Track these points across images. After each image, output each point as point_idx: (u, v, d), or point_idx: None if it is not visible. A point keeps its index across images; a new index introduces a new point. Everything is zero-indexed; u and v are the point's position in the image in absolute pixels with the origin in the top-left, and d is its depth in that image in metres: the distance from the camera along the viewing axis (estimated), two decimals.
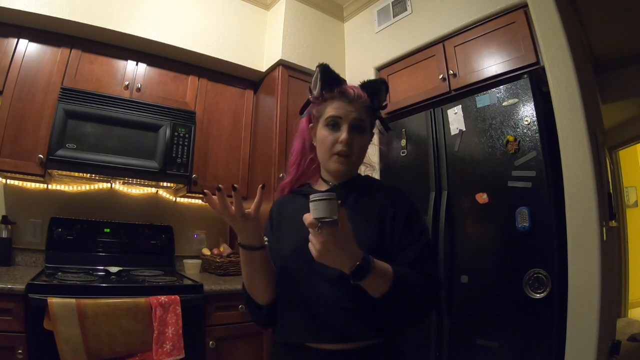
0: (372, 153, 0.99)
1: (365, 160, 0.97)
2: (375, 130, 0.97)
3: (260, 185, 0.76)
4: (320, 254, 0.66)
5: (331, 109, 0.86)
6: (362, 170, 0.99)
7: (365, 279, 0.69)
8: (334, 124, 0.86)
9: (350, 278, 0.69)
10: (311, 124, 0.93)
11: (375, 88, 0.89)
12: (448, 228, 1.69)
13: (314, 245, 0.67)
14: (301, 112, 0.96)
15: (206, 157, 2.27)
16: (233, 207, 0.74)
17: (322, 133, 0.87)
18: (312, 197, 0.65)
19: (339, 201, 0.65)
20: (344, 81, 0.90)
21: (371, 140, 0.95)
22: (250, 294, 0.87)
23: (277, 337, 0.85)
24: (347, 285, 0.76)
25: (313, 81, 0.90)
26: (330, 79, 0.88)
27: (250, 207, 0.76)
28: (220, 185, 0.72)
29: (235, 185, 0.74)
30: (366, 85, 0.89)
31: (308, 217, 0.65)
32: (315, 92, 0.89)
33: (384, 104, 0.91)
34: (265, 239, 0.83)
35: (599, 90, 2.71)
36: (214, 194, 0.73)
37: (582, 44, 2.18)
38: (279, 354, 0.84)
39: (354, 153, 0.85)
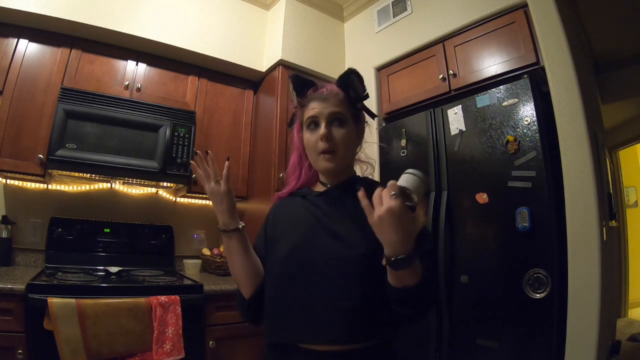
0: (365, 146, 0.97)
1: (362, 158, 0.96)
2: (374, 131, 0.97)
3: (226, 157, 0.86)
4: (378, 219, 0.64)
5: (308, 111, 0.87)
6: (363, 170, 0.98)
7: (398, 271, 0.67)
8: (313, 125, 0.86)
9: (387, 261, 0.66)
10: (301, 134, 0.94)
11: (347, 79, 0.88)
12: (448, 228, 1.69)
13: (378, 209, 0.64)
14: (289, 124, 0.98)
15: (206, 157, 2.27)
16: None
17: (306, 136, 0.88)
18: (409, 170, 0.66)
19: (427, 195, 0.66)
20: (316, 84, 0.92)
21: (362, 134, 0.94)
22: (237, 286, 0.90)
23: (270, 338, 0.84)
24: (347, 286, 0.76)
25: (291, 93, 0.93)
26: (300, 84, 0.91)
27: (243, 204, 0.80)
28: (208, 150, 0.84)
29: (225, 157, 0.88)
30: (338, 80, 0.90)
31: (394, 182, 0.65)
32: (294, 102, 0.92)
33: (364, 94, 0.90)
34: (242, 223, 0.86)
35: (599, 90, 2.71)
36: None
37: (582, 44, 2.18)
38: (272, 356, 0.83)
39: (338, 147, 0.84)
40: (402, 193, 0.63)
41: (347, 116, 0.87)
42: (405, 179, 0.65)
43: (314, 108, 0.86)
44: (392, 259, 0.65)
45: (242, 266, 0.86)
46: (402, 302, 0.73)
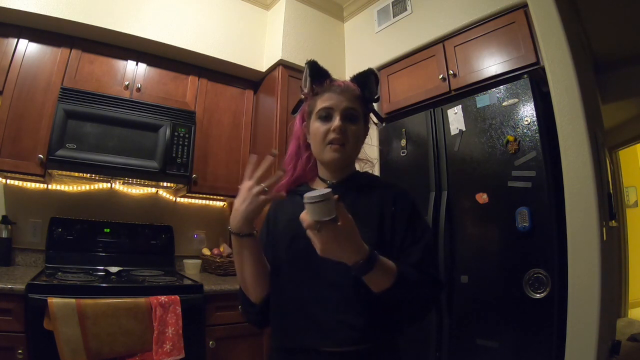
0: (366, 144, 0.97)
1: (362, 157, 0.96)
2: (374, 130, 0.97)
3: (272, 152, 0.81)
4: (323, 252, 0.66)
5: (322, 101, 0.86)
6: (361, 167, 0.98)
7: (368, 275, 0.69)
8: (326, 115, 0.85)
9: (352, 271, 0.69)
10: (304, 122, 0.93)
11: (366, 78, 0.88)
12: (448, 228, 1.69)
13: (315, 243, 0.67)
14: (293, 111, 0.96)
15: (206, 157, 2.27)
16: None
17: (315, 125, 0.87)
18: (306, 198, 0.62)
19: (336, 196, 0.64)
20: (331, 75, 0.91)
21: (367, 134, 0.94)
22: (243, 290, 0.87)
23: (275, 342, 0.84)
24: (350, 289, 0.76)
25: (303, 79, 0.91)
26: (319, 73, 0.89)
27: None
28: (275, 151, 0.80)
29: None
30: (355, 77, 0.90)
31: (305, 219, 0.65)
32: (306, 89, 0.90)
33: (376, 96, 0.90)
34: (256, 229, 0.83)
35: (599, 90, 2.71)
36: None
37: (582, 44, 2.18)
38: (279, 357, 0.83)
39: (348, 141, 0.84)
40: (320, 223, 0.63)
41: (359, 114, 0.87)
42: (313, 211, 0.63)
43: (329, 99, 0.85)
44: (355, 267, 0.68)
45: (253, 272, 0.83)
46: (390, 305, 0.74)
